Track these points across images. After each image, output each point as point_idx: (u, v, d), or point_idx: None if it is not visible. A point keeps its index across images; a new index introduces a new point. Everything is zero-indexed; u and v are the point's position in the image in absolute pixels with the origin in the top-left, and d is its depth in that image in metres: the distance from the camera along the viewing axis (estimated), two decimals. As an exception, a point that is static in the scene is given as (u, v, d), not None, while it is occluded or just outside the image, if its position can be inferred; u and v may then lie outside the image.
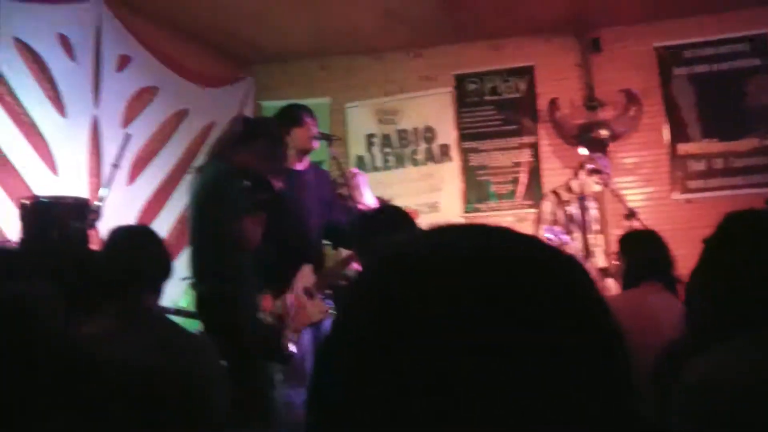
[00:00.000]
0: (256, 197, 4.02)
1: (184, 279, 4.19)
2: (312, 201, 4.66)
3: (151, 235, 2.81)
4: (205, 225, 3.96)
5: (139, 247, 2.69)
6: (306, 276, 4.33)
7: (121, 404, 2.28)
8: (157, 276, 2.68)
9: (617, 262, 3.79)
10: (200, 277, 3.97)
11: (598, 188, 5.86)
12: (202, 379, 2.47)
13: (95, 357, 2.35)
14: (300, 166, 4.68)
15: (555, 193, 5.93)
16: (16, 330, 2.16)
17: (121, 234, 2.77)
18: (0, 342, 1.95)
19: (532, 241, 0.68)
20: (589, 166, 5.84)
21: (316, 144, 4.73)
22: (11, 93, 4.99)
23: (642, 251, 3.53)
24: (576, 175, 5.93)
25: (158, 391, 2.32)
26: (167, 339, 2.52)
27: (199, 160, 6.78)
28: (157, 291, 2.69)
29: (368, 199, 4.87)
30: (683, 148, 7.00)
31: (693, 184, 6.95)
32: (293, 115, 4.65)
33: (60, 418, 2.22)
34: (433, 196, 7.46)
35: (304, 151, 4.67)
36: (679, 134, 7.03)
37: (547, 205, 5.88)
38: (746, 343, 1.54)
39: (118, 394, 2.28)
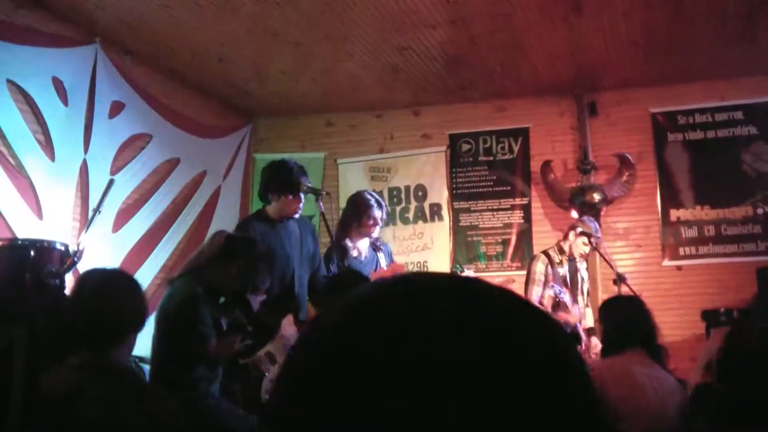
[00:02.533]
0: (230, 317, 3.98)
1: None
2: (296, 252, 4.62)
3: (127, 280, 2.69)
4: (169, 342, 3.85)
5: (111, 294, 2.56)
6: (288, 326, 4.26)
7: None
8: (128, 327, 2.55)
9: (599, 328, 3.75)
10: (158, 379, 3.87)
11: (586, 249, 5.82)
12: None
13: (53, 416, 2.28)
14: (282, 220, 4.65)
15: (546, 253, 5.88)
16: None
17: (92, 278, 2.66)
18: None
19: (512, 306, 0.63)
20: (579, 228, 5.80)
21: (298, 212, 4.70)
22: (0, 134, 4.98)
23: (622, 317, 3.48)
24: (566, 236, 5.90)
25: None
26: (127, 396, 2.42)
27: (188, 210, 6.79)
28: (127, 342, 2.57)
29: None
30: (675, 214, 6.98)
31: (684, 250, 6.90)
32: (289, 183, 4.59)
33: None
34: (423, 255, 7.42)
35: (286, 217, 4.65)
36: (672, 200, 7.01)
37: (539, 266, 5.82)
38: None
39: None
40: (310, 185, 4.80)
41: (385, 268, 5.05)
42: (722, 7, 5.52)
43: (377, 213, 5.00)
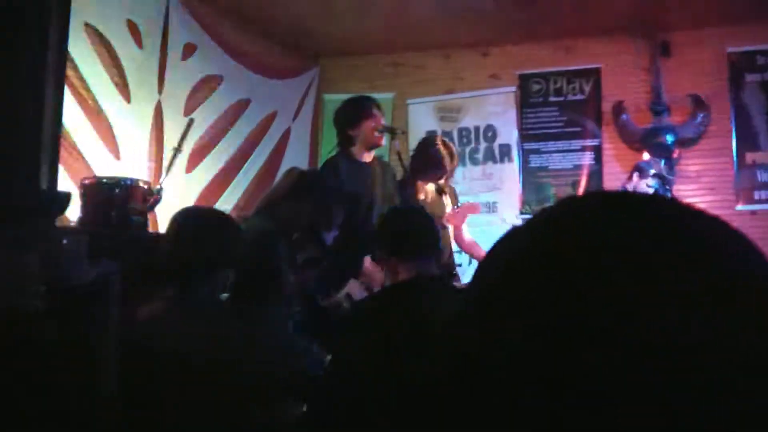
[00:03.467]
0: (305, 253, 4.03)
1: None
2: (379, 191, 4.65)
3: (219, 218, 2.75)
4: (244, 278, 3.92)
5: (202, 231, 2.62)
6: (368, 266, 4.29)
7: (168, 388, 2.29)
8: (218, 264, 2.62)
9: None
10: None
11: (650, 191, 5.74)
12: (255, 370, 2.47)
13: (145, 342, 2.37)
14: (366, 158, 4.67)
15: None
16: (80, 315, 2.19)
17: (187, 216, 2.72)
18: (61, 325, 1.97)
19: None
20: (651, 170, 5.72)
21: (383, 140, 4.72)
22: (80, 77, 5.07)
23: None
24: (630, 178, 5.81)
25: (211, 381, 2.33)
26: (218, 329, 2.50)
27: (259, 150, 6.87)
28: (217, 279, 2.64)
29: (466, 234, 4.94)
30: (752, 156, 6.81)
31: (760, 195, 6.76)
32: (362, 107, 4.64)
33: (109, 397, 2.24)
34: (492, 195, 7.40)
35: (371, 146, 4.66)
36: (748, 142, 6.83)
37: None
38: None
39: (164, 378, 2.30)
40: (386, 124, 4.83)
41: (451, 210, 5.01)
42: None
43: (448, 166, 4.97)
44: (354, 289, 4.15)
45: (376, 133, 4.62)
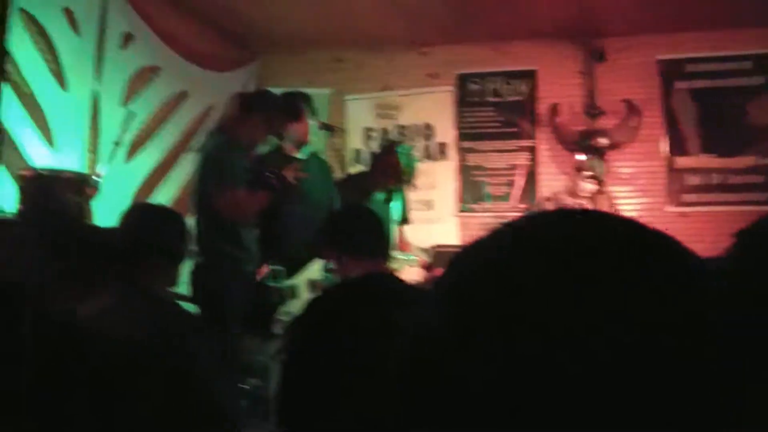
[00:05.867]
0: (262, 172, 4.07)
1: None
2: (316, 190, 4.65)
3: (166, 214, 2.76)
4: (203, 196, 4.02)
5: (159, 224, 2.63)
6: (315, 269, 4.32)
7: (113, 385, 2.27)
8: (173, 255, 2.64)
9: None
10: (198, 249, 4.03)
11: (591, 188, 5.88)
12: (196, 362, 2.46)
13: (91, 336, 2.34)
14: (299, 156, 4.68)
15: (555, 197, 5.96)
16: (11, 307, 2.15)
17: (134, 211, 2.73)
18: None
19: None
20: (587, 172, 5.86)
21: (309, 138, 4.72)
22: (14, 63, 4.96)
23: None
24: (572, 179, 5.96)
25: (151, 373, 2.31)
26: (169, 318, 2.49)
27: (197, 140, 6.81)
28: (163, 273, 2.63)
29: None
30: (681, 161, 7.03)
31: (688, 197, 6.97)
32: (292, 109, 4.63)
33: (53, 396, 2.21)
34: (429, 193, 7.45)
35: (301, 144, 4.67)
36: (678, 147, 7.05)
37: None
38: None
39: (110, 374, 2.27)
40: (322, 121, 4.84)
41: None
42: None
43: (401, 176, 4.96)
44: (299, 283, 4.18)
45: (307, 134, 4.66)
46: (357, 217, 3.17)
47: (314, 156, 4.84)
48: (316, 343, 2.39)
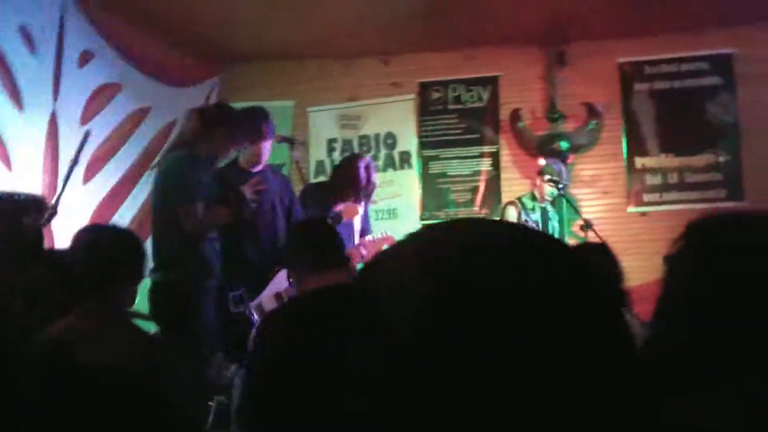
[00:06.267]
0: (221, 187, 4.08)
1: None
2: (276, 203, 4.65)
3: (132, 236, 2.77)
4: (163, 211, 4.02)
5: (119, 247, 2.63)
6: (280, 281, 4.32)
7: (96, 406, 2.27)
8: (134, 277, 2.64)
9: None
10: (157, 265, 4.02)
11: (554, 191, 5.94)
12: (174, 379, 2.46)
13: (66, 361, 2.33)
14: (255, 168, 4.66)
15: (519, 200, 6.01)
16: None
17: (89, 233, 2.72)
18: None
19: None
20: (548, 176, 5.92)
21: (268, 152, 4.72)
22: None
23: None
24: (535, 183, 6.02)
25: (135, 391, 2.31)
26: (138, 340, 2.50)
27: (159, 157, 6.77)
28: (123, 293, 2.63)
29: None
30: (641, 161, 7.11)
31: (648, 197, 7.06)
32: (252, 130, 4.61)
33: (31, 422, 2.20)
34: (392, 202, 7.47)
35: (260, 160, 4.67)
36: (638, 148, 7.14)
37: (510, 212, 5.95)
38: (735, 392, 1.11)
39: (93, 397, 2.27)
40: (283, 134, 4.84)
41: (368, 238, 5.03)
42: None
43: (364, 189, 4.98)
44: (267, 301, 4.17)
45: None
46: (313, 229, 3.17)
47: (273, 168, 4.84)
48: (272, 355, 2.40)
